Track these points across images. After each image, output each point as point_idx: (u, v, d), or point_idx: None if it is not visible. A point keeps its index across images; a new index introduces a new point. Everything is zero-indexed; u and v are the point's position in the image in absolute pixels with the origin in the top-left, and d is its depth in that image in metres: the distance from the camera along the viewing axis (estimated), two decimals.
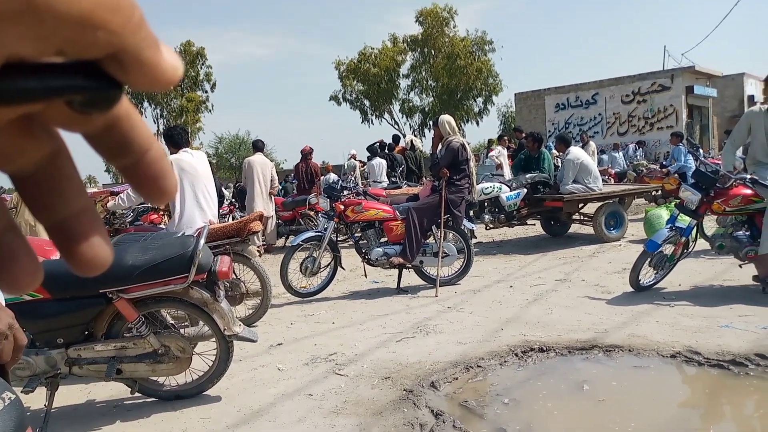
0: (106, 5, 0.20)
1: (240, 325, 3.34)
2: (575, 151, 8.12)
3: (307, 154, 10.92)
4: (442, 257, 5.78)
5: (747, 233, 4.76)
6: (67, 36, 0.20)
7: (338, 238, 6.63)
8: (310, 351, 4.09)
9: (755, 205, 4.64)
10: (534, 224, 8.99)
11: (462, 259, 5.99)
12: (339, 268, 5.82)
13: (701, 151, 9.40)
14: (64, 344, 3.09)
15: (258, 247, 7.19)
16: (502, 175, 9.90)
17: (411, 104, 34.80)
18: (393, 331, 4.41)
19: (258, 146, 9.38)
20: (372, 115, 34.96)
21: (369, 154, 11.80)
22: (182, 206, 4.67)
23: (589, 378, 3.35)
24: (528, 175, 8.23)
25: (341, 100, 34.56)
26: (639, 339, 3.80)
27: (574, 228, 8.77)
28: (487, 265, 6.90)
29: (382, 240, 5.91)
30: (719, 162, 6.51)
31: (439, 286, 5.62)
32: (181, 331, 3.38)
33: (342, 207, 5.80)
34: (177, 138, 4.83)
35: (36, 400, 3.31)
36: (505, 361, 3.64)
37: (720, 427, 2.83)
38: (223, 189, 16.19)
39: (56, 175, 0.25)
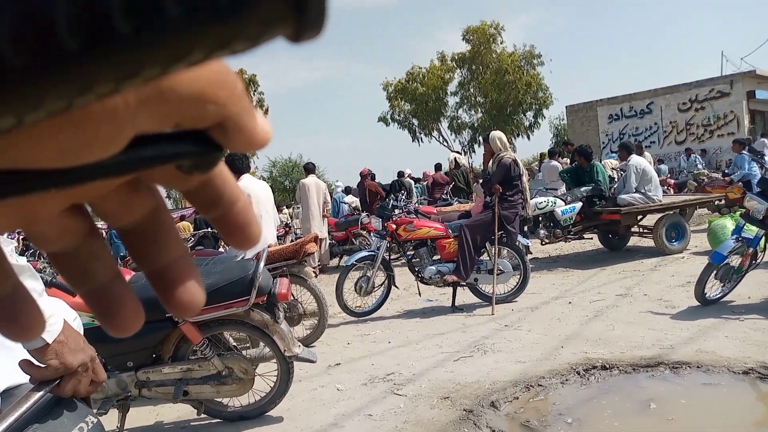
0: (215, 82, 0.23)
1: (299, 346, 3.40)
2: (637, 159, 7.94)
3: (365, 176, 11.23)
4: (498, 274, 5.72)
5: None
6: (184, 112, 0.23)
7: (391, 257, 6.67)
8: (368, 371, 4.11)
9: None
10: (591, 238, 8.78)
11: (518, 276, 5.91)
12: (393, 287, 5.85)
13: (766, 158, 8.98)
14: (134, 367, 3.22)
15: (314, 268, 7.32)
16: (557, 189, 9.74)
17: (460, 121, 34.75)
18: (450, 350, 4.39)
19: (309, 168, 9.57)
20: (421, 133, 35.10)
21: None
22: None
23: (656, 396, 3.23)
24: (583, 189, 8.07)
25: (390, 120, 34.88)
26: (707, 355, 3.65)
27: (634, 241, 8.51)
28: (544, 281, 6.77)
29: (435, 258, 5.91)
30: None
31: (495, 304, 5.56)
32: (244, 352, 3.48)
33: (394, 226, 5.85)
34: (238, 163, 5.01)
35: (109, 422, 3.45)
36: (566, 380, 3.57)
37: None
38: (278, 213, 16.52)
39: (156, 227, 0.28)
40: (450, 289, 5.90)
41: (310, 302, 4.87)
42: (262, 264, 3.25)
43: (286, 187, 37.02)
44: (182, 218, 12.71)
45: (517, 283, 5.91)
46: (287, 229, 12.91)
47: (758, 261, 4.79)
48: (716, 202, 9.19)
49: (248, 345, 3.83)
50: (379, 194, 10.93)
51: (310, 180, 9.22)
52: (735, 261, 4.74)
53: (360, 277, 5.76)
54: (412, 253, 6.05)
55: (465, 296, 5.98)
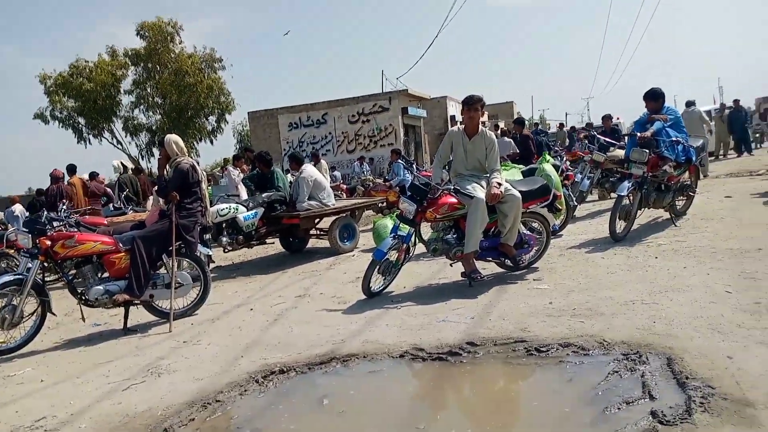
0: None
1: None
2: (309, 169, 8.38)
3: (59, 178, 9.75)
4: (176, 288, 5.37)
5: (454, 236, 5.40)
6: None
7: (45, 280, 5.69)
8: (10, 421, 3.38)
9: (459, 211, 5.29)
10: (273, 242, 9.01)
11: (198, 288, 5.65)
12: (49, 315, 4.99)
13: (414, 165, 10.52)
14: None
15: None
16: (239, 195, 9.72)
17: (136, 122, 32.24)
18: (119, 378, 3.91)
19: None
20: (89, 134, 31.41)
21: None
22: None
23: (329, 392, 3.39)
24: (264, 195, 8.21)
25: (49, 118, 30.34)
26: (372, 344, 3.99)
27: (312, 243, 9.02)
28: (227, 289, 6.65)
29: (104, 276, 5.25)
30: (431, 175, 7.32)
31: (174, 320, 5.21)
32: None
33: (48, 242, 4.97)
34: None
35: None
36: (245, 390, 3.49)
37: (446, 414, 3.09)
38: None
39: None
40: (121, 310, 5.31)
41: None
42: None
43: None
44: None
45: (198, 296, 5.66)
46: None
47: (411, 254, 5.50)
48: (380, 204, 10.39)
49: None
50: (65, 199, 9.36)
51: None
52: (393, 256, 5.35)
53: (3, 306, 4.76)
54: (74, 272, 5.25)
55: (140, 315, 5.47)
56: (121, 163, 10.91)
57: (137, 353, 4.51)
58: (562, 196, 6.96)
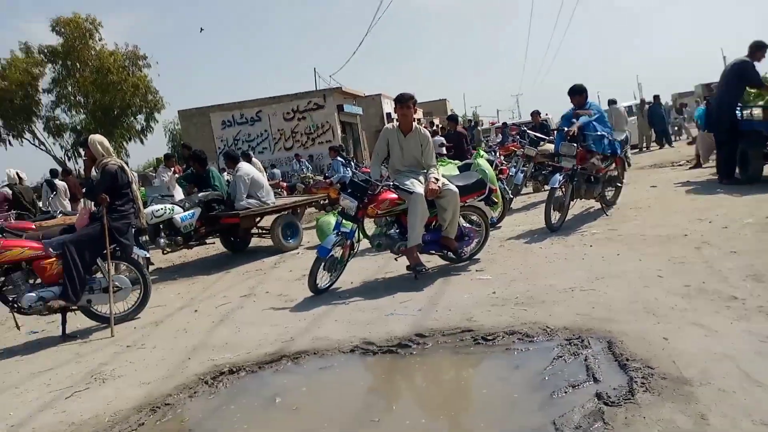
0: None
1: None
2: (245, 168, 8.26)
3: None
4: (114, 291, 5.20)
5: (397, 231, 5.49)
6: None
7: None
8: None
9: (400, 206, 5.38)
10: (214, 242, 8.83)
11: (138, 291, 5.49)
12: None
13: (353, 162, 10.58)
14: None
15: None
16: (173, 196, 9.47)
17: (58, 122, 30.71)
18: (61, 386, 3.77)
19: None
20: (8, 135, 29.69)
21: None
22: None
23: (281, 390, 3.39)
24: (201, 194, 8.05)
25: None
26: (322, 341, 4.01)
27: (255, 241, 8.91)
28: (169, 291, 6.49)
29: (36, 282, 5.02)
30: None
31: (115, 324, 5.04)
32: None
33: None
34: None
35: None
36: (195, 392, 3.44)
37: (400, 406, 3.16)
38: None
39: None
40: (59, 316, 5.10)
41: None
42: None
43: None
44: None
45: (138, 299, 5.50)
46: None
47: (356, 250, 5.54)
48: (321, 201, 10.38)
49: None
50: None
51: None
52: (338, 252, 5.38)
53: None
54: (2, 280, 4.99)
55: (79, 321, 5.26)
56: (17, 173, 10.34)
57: (79, 360, 4.35)
58: (498, 190, 7.19)
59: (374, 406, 3.16)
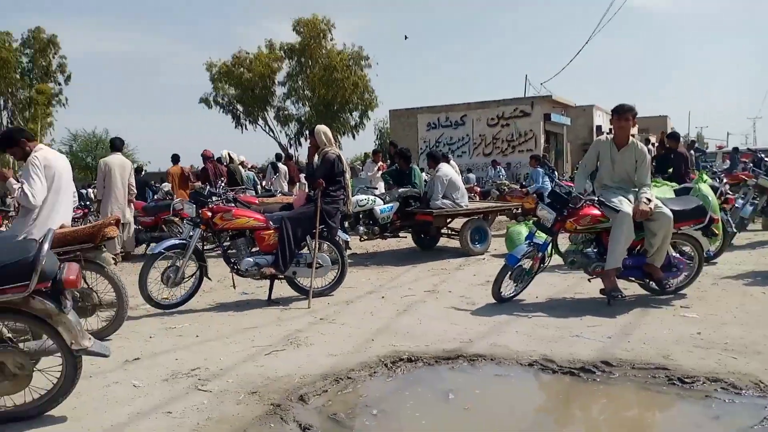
0: None
1: (90, 338, 3.03)
2: (445, 168, 8.46)
3: (209, 158, 10.95)
4: (316, 268, 5.70)
5: (595, 250, 5.19)
6: None
7: (205, 247, 6.29)
8: (171, 366, 3.81)
9: (602, 224, 5.07)
10: (405, 237, 9.20)
11: (336, 270, 5.94)
12: (205, 279, 5.53)
13: (556, 173, 10.22)
14: None
15: (114, 254, 6.65)
16: (377, 188, 10.05)
17: (287, 112, 34.46)
18: (262, 344, 4.25)
19: (116, 145, 8.77)
20: (245, 120, 34.14)
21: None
22: (40, 206, 4.33)
23: (455, 387, 3.44)
24: (400, 190, 8.44)
25: (212, 103, 33.39)
26: (500, 348, 3.97)
27: (443, 241, 9.09)
28: (361, 276, 6.92)
29: (254, 250, 5.71)
30: (573, 185, 7.07)
31: (312, 298, 5.53)
32: (21, 345, 3.01)
33: (209, 214, 5.51)
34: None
35: None
36: (375, 372, 3.64)
37: (570, 429, 3.02)
38: (83, 191, 14.93)
39: None
40: (267, 282, 5.74)
41: (108, 291, 4.39)
42: (46, 246, 2.82)
43: (89, 165, 33.47)
44: None
45: (335, 278, 5.95)
46: (86, 210, 11.66)
47: (546, 264, 5.37)
48: (514, 210, 10.22)
49: (28, 337, 3.33)
50: (222, 177, 10.40)
51: (114, 158, 8.49)
52: (527, 264, 5.26)
53: (168, 266, 5.35)
54: (229, 243, 5.77)
55: (282, 289, 5.87)
56: (229, 153, 11.88)
57: (279, 323, 4.86)
58: (720, 221, 6.40)
59: (545, 424, 3.06)
